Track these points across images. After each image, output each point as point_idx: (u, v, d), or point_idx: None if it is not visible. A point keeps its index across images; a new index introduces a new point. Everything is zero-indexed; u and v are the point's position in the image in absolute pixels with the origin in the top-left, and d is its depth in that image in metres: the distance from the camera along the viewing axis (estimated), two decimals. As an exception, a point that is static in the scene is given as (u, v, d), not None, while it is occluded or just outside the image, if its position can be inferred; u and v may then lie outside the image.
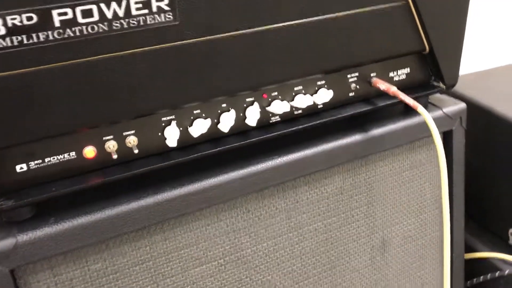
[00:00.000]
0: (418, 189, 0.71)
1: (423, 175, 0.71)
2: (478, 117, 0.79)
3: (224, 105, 0.55)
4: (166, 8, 0.46)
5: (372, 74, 0.63)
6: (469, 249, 0.83)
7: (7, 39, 0.41)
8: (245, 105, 0.56)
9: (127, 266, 0.54)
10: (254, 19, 0.51)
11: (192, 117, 0.54)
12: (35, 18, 0.42)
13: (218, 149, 0.55)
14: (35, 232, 0.48)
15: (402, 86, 0.65)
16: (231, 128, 0.56)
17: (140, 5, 0.45)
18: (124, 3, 0.44)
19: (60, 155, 0.49)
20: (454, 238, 0.75)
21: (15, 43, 0.42)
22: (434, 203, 0.73)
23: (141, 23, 0.46)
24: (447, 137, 0.70)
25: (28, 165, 0.48)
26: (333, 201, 0.65)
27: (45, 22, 0.42)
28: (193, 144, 0.55)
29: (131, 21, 0.45)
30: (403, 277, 0.74)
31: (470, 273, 0.82)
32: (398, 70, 0.65)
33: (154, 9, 0.46)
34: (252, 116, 0.56)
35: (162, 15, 0.46)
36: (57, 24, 0.43)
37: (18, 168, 0.47)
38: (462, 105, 0.70)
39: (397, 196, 0.69)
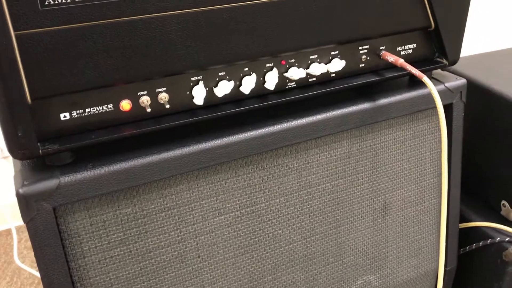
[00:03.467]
0: (419, 158, 0.76)
1: (424, 145, 0.76)
2: (476, 94, 0.85)
3: (246, 69, 0.60)
4: (201, -26, 0.51)
5: (381, 47, 0.68)
6: (463, 219, 0.89)
7: (62, -5, 0.46)
8: (265, 70, 0.62)
9: (154, 212, 0.59)
10: (277, -10, 0.56)
11: (217, 79, 0.59)
12: (86, -22, 0.46)
13: (239, 109, 0.60)
14: (76, 175, 0.54)
15: (408, 60, 0.70)
16: (252, 91, 0.61)
17: (178, -29, 0.50)
18: (164, -32, 0.49)
19: (100, 107, 0.54)
20: (450, 205, 0.80)
21: (68, 0, 0.47)
22: (433, 172, 0.79)
23: (178, -13, 0.51)
24: (447, 110, 0.75)
25: (71, 114, 0.53)
26: (340, 164, 0.70)
27: (95, -18, 0.47)
28: (217, 104, 0.60)
29: (169, -15, 0.50)
30: (401, 240, 0.79)
31: (463, 242, 0.88)
32: (405, 45, 0.70)
33: (191, -25, 0.51)
34: (271, 80, 0.62)
35: (197, -19, 0.51)
36: (105, -16, 0.47)
37: (62, 116, 0.52)
38: (463, 80, 0.75)
39: (399, 163, 0.75)
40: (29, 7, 0.46)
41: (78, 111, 0.53)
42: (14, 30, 0.46)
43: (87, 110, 0.53)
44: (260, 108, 0.62)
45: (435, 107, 0.74)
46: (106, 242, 0.58)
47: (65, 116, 0.53)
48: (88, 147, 0.54)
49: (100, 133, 0.54)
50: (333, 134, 0.68)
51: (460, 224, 0.86)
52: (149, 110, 0.55)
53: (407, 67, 0.65)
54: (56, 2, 0.46)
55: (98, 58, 0.51)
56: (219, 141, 0.60)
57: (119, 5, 0.49)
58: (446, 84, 0.74)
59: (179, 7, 0.52)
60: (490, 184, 0.88)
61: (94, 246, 0.57)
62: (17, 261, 1.26)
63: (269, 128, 0.63)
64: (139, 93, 0.55)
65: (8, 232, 1.55)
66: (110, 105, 0.54)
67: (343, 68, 0.66)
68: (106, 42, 0.50)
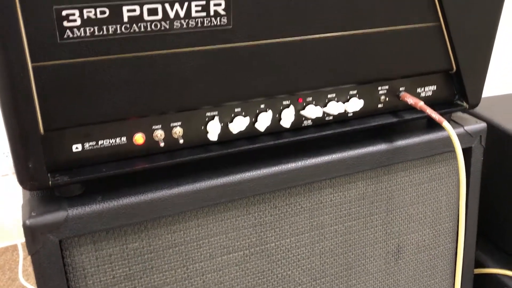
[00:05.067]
0: (434, 202, 0.74)
1: (441, 188, 0.74)
2: (495, 137, 0.83)
3: (262, 105, 0.59)
4: (222, 12, 0.51)
5: (401, 88, 0.67)
6: (478, 264, 0.86)
7: (81, 29, 0.46)
8: (281, 107, 0.60)
9: (162, 248, 0.58)
10: (298, 29, 0.56)
11: (233, 115, 0.58)
12: (107, 12, 0.46)
13: (253, 146, 0.59)
14: (84, 208, 0.52)
15: (428, 102, 0.69)
16: (267, 128, 0.60)
17: (199, 8, 0.49)
18: (186, 5, 0.49)
19: (113, 139, 0.53)
20: (465, 251, 0.78)
21: (88, 33, 0.46)
22: (448, 216, 0.76)
23: (199, 24, 0.50)
24: (466, 154, 0.73)
25: (83, 146, 0.52)
26: (354, 205, 0.68)
27: (116, 17, 0.47)
28: (231, 139, 0.59)
29: (190, 21, 0.50)
30: (414, 285, 0.77)
31: (477, 288, 0.85)
32: (426, 87, 0.69)
33: (212, 12, 0.50)
34: (287, 118, 0.60)
35: (218, 18, 0.51)
36: (125, 19, 0.47)
37: (74, 147, 0.52)
38: (483, 124, 0.73)
39: (414, 206, 0.73)
40: (48, 39, 0.45)
41: (90, 143, 0.52)
42: (32, 62, 0.45)
43: (100, 142, 0.53)
44: (274, 146, 0.60)
45: (453, 150, 0.73)
46: (111, 276, 0.56)
47: (77, 148, 0.52)
48: (98, 179, 0.53)
49: (111, 166, 0.53)
50: (348, 175, 0.66)
51: (475, 270, 0.83)
52: (162, 144, 0.54)
53: (427, 111, 0.64)
54: (76, 35, 0.46)
55: (114, 91, 0.50)
56: (231, 178, 0.59)
57: (139, 40, 0.49)
58: (466, 128, 0.72)
59: (198, 43, 0.51)
60: (507, 230, 0.85)
61: (98, 280, 0.56)
62: (21, 279, 1.25)
63: (283, 166, 0.61)
64: (153, 127, 0.54)
65: (14, 248, 1.54)
66: (124, 138, 0.54)
67: (361, 108, 0.64)
68: (123, 76, 0.50)
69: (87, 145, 0.52)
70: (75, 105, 0.49)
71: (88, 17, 0.46)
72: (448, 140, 0.71)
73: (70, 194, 0.54)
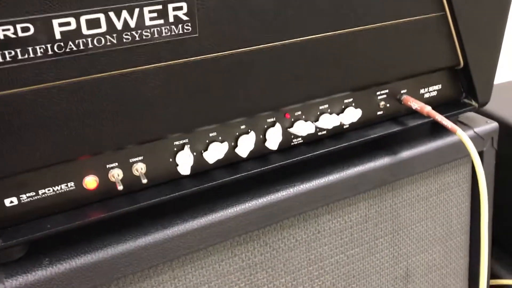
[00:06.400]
0: (444, 215, 0.65)
1: (451, 199, 0.65)
2: (506, 135, 0.74)
3: (242, 126, 0.49)
4: (185, 18, 0.40)
5: (402, 91, 0.57)
6: (493, 275, 0.78)
7: (-3, 54, 0.34)
8: (265, 126, 0.50)
9: (131, 310, 0.47)
10: (278, 32, 0.45)
11: (207, 141, 0.47)
12: (32, 29, 0.35)
13: (235, 176, 0.49)
14: (27, 276, 0.41)
15: (432, 103, 0.59)
16: (250, 153, 0.50)
17: (155, 14, 0.38)
18: (136, 12, 0.38)
19: (57, 186, 0.42)
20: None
21: (7, 58, 0.35)
22: (460, 230, 0.68)
23: (155, 35, 0.39)
24: (477, 159, 0.64)
25: (19, 198, 0.41)
26: (356, 230, 0.59)
27: (44, 34, 0.35)
28: (207, 170, 0.49)
29: (144, 33, 0.39)
30: (425, 309, 0.68)
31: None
32: (429, 87, 0.59)
33: (171, 19, 0.39)
34: (273, 138, 0.50)
35: (180, 26, 0.40)
36: (57, 36, 0.36)
37: (7, 202, 0.40)
38: (494, 124, 0.65)
39: (423, 222, 0.64)
40: (-48, 70, 0.34)
41: (28, 194, 0.41)
42: None
43: (40, 192, 0.41)
44: (260, 173, 0.50)
45: (463, 157, 0.63)
46: None
47: (11, 202, 0.41)
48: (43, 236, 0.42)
49: (58, 220, 0.42)
50: (348, 197, 0.56)
51: (490, 281, 0.75)
52: (120, 187, 0.43)
53: (437, 117, 0.54)
54: (-10, 62, 0.34)
55: (53, 127, 0.39)
56: (210, 217, 0.48)
57: (79, 61, 0.37)
58: (476, 130, 0.63)
59: (157, 59, 0.40)
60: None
61: None
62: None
63: (272, 196, 0.51)
64: (107, 166, 0.43)
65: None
66: (71, 183, 0.43)
67: (358, 118, 0.54)
68: (62, 108, 0.38)
69: (24, 197, 0.41)
70: (2, 150, 0.38)
71: (6, 36, 0.34)
72: (457, 146, 0.61)
73: (8, 259, 0.42)
